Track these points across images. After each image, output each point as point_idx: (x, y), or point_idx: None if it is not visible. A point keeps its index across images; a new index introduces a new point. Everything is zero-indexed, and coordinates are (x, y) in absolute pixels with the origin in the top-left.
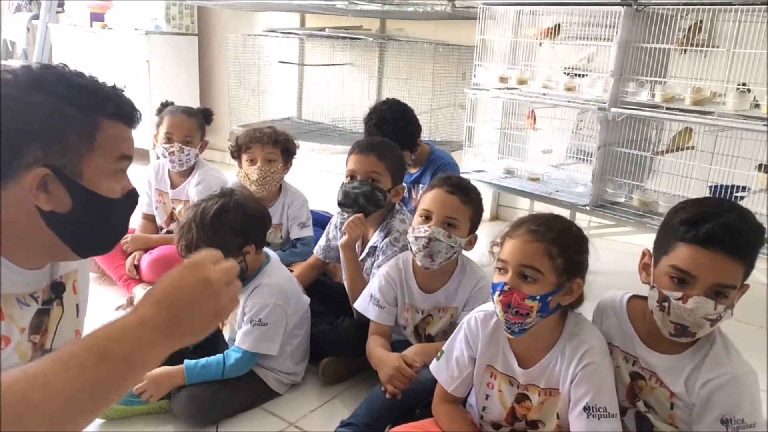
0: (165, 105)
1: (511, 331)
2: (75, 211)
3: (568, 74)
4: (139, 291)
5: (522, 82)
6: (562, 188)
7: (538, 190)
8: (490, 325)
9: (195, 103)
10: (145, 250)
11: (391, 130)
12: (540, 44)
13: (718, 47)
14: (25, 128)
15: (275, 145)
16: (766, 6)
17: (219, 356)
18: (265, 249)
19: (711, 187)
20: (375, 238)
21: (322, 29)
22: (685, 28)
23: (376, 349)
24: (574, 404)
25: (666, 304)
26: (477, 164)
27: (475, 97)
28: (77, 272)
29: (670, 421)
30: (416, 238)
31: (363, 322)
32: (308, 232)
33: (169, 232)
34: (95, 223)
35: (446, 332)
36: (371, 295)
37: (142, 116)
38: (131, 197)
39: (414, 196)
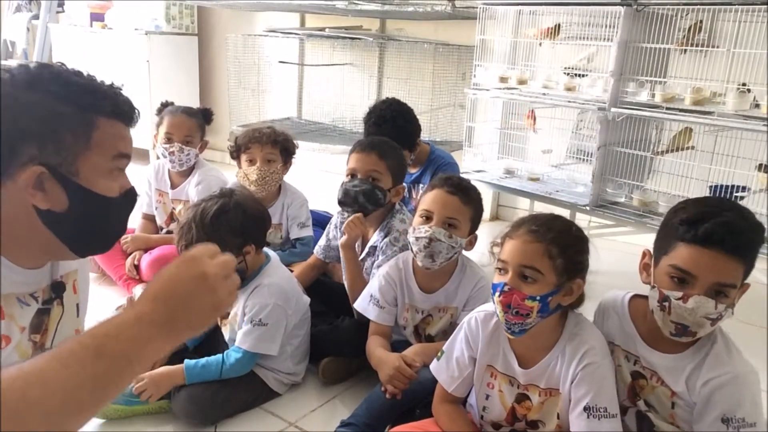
0: (165, 105)
1: (512, 332)
2: (72, 210)
3: (568, 74)
4: (139, 291)
5: (522, 82)
6: (562, 188)
7: (538, 190)
8: (491, 325)
9: (195, 103)
10: (145, 250)
11: (390, 129)
12: (540, 44)
13: (718, 47)
14: (20, 126)
15: (274, 145)
16: (766, 6)
17: (219, 356)
18: (265, 249)
19: (711, 187)
20: (375, 237)
21: (322, 29)
22: (685, 28)
23: (376, 349)
24: (574, 404)
25: (666, 303)
26: (477, 164)
27: (475, 97)
28: (77, 272)
29: (670, 421)
30: (417, 239)
31: (363, 322)
32: (308, 232)
33: (169, 232)
34: (93, 222)
35: (446, 332)
36: (371, 295)
37: (140, 115)
38: (129, 196)
39: (414, 196)
